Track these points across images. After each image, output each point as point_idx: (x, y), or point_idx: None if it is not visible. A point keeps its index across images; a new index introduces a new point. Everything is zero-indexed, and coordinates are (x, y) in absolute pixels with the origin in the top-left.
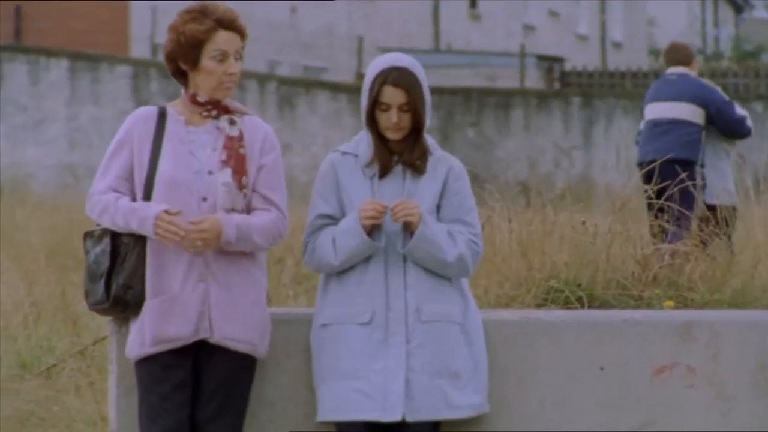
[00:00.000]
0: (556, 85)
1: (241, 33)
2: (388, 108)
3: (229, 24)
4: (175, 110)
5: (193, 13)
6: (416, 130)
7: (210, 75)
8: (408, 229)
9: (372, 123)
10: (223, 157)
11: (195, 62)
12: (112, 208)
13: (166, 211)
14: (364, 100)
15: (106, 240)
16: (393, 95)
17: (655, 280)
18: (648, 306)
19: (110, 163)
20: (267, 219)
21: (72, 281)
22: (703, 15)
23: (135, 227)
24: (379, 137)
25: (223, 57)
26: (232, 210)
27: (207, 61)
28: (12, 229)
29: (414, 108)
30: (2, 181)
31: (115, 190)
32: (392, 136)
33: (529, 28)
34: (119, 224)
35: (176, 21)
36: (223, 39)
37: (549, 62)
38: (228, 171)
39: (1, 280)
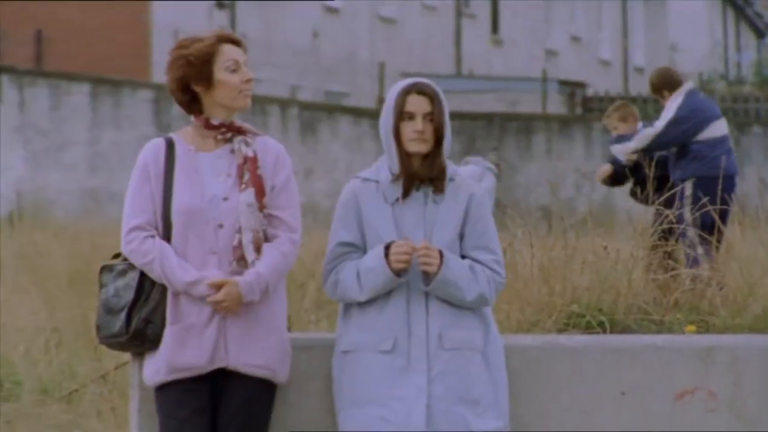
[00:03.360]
0: (578, 110)
1: (242, 47)
2: (412, 117)
3: (230, 37)
4: (183, 140)
5: (189, 39)
6: (437, 145)
7: (227, 86)
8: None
9: (396, 140)
10: (245, 179)
11: (209, 78)
12: (157, 263)
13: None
14: (388, 117)
15: (132, 275)
16: (418, 103)
17: (676, 305)
18: (669, 331)
19: (137, 196)
20: (278, 257)
21: (93, 306)
22: (725, 40)
23: (176, 288)
24: (403, 151)
25: (235, 66)
26: (255, 231)
27: (221, 74)
28: (34, 254)
29: (437, 119)
30: (23, 205)
31: (149, 224)
32: (416, 148)
33: (551, 53)
34: (156, 275)
35: (175, 52)
36: (229, 50)
37: (571, 87)
38: (251, 192)
39: (22, 305)
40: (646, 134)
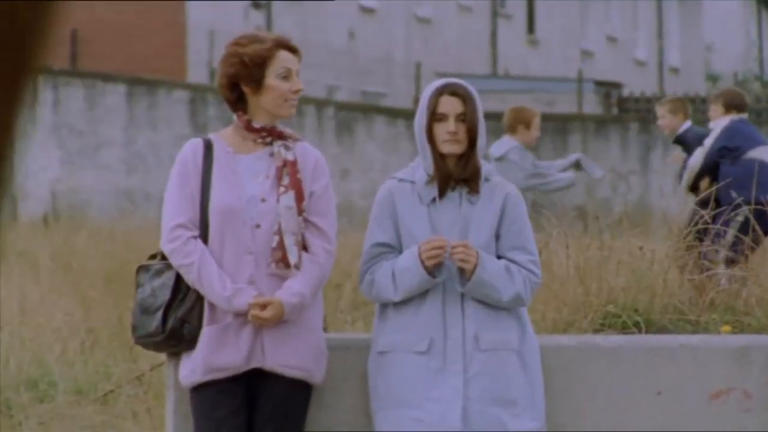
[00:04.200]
0: (614, 111)
1: (298, 55)
2: (445, 118)
3: (287, 44)
4: (223, 141)
5: (249, 37)
6: (471, 146)
7: (275, 93)
8: (464, 270)
9: (429, 141)
10: (285, 182)
11: (259, 82)
12: (196, 268)
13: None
14: (421, 118)
15: (169, 274)
16: (450, 104)
17: (712, 305)
18: (705, 331)
19: (178, 194)
20: (317, 272)
21: (129, 307)
22: (760, 41)
23: (210, 298)
24: (437, 152)
25: (287, 74)
26: (295, 234)
27: (272, 80)
28: (69, 254)
29: (470, 119)
30: (59, 206)
31: (191, 223)
32: (449, 149)
33: (587, 54)
34: (191, 278)
35: (232, 48)
36: (285, 57)
37: (607, 87)
38: (291, 195)
39: (58, 306)
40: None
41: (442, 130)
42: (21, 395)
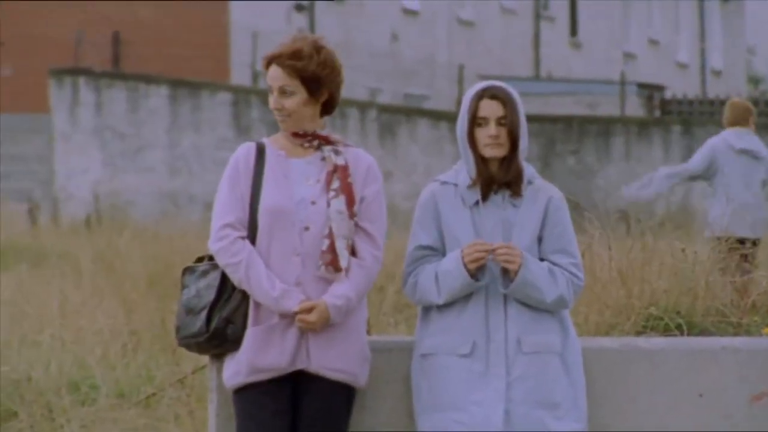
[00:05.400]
0: (657, 113)
1: (284, 68)
2: (486, 122)
3: (272, 59)
4: (275, 145)
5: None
6: (513, 149)
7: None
8: (507, 272)
9: (471, 145)
10: (335, 186)
11: None
12: (243, 267)
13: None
14: (463, 122)
15: (214, 275)
16: (490, 108)
17: (753, 307)
18: (747, 333)
19: (228, 195)
20: (364, 277)
21: (172, 309)
22: None
23: (257, 298)
24: (479, 156)
25: (271, 91)
26: (346, 238)
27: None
28: (111, 256)
29: (511, 122)
30: (102, 208)
31: (240, 223)
32: (491, 152)
33: (629, 56)
34: (238, 277)
35: None
36: (271, 74)
37: (649, 90)
38: (342, 199)
39: (100, 309)
40: None
41: (483, 134)
42: (62, 398)
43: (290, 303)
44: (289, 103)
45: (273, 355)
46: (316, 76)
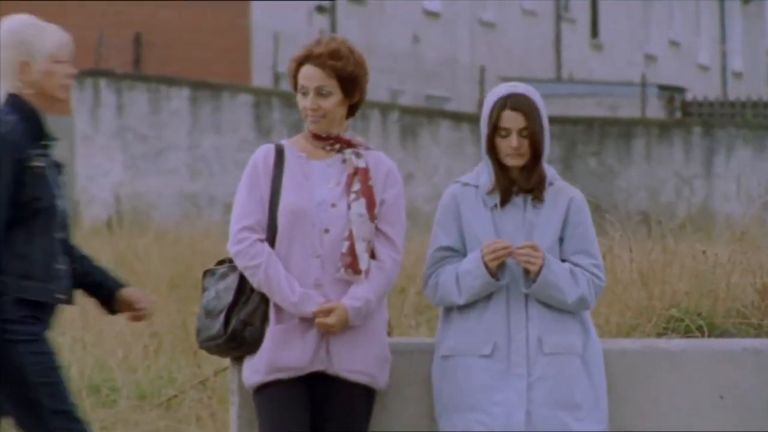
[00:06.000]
0: (677, 115)
1: (324, 68)
2: (507, 133)
3: (308, 59)
4: (294, 147)
5: (302, 48)
6: (535, 157)
7: (301, 108)
8: (529, 272)
9: (492, 150)
10: (356, 188)
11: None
12: (263, 270)
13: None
14: (484, 127)
15: (233, 277)
16: (512, 119)
17: None
18: None
19: (247, 198)
20: (384, 280)
21: (193, 311)
22: None
23: (277, 300)
24: (499, 165)
25: (305, 91)
26: (366, 241)
27: (298, 96)
28: (133, 258)
29: (532, 133)
30: (123, 210)
31: (259, 225)
32: (512, 162)
33: (650, 58)
34: (257, 280)
35: None
36: (303, 74)
37: (670, 92)
38: (362, 202)
39: None
40: None
41: (504, 144)
42: (83, 400)
43: (309, 307)
44: (326, 103)
45: (293, 354)
46: (353, 77)
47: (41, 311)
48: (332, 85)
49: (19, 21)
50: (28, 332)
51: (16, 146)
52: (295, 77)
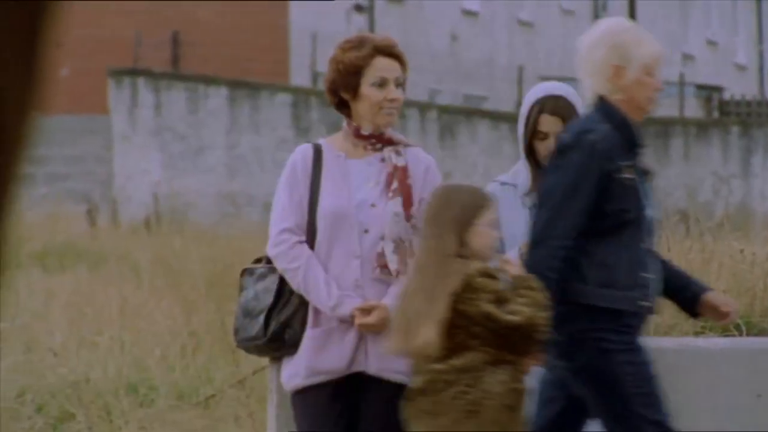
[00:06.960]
0: (715, 114)
1: (400, 60)
2: (545, 137)
3: (388, 51)
4: (333, 146)
5: (352, 41)
6: None
7: (369, 101)
8: None
9: (530, 152)
10: (393, 187)
11: (355, 90)
12: (302, 273)
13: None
14: (521, 128)
15: (273, 278)
16: (550, 124)
17: None
18: None
19: (287, 199)
20: None
21: (231, 311)
22: None
23: (315, 303)
24: (537, 167)
25: (382, 83)
26: (400, 241)
27: (366, 88)
28: (171, 258)
29: None
30: (161, 209)
31: (298, 227)
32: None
33: (688, 57)
34: (296, 282)
35: (335, 53)
36: (381, 65)
37: (708, 91)
38: (398, 200)
39: (159, 310)
40: None
41: (542, 147)
42: (121, 400)
43: (346, 310)
44: (400, 95)
45: (332, 357)
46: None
47: (630, 319)
48: (404, 78)
49: (618, 24)
50: (623, 342)
51: (607, 157)
52: (359, 70)
